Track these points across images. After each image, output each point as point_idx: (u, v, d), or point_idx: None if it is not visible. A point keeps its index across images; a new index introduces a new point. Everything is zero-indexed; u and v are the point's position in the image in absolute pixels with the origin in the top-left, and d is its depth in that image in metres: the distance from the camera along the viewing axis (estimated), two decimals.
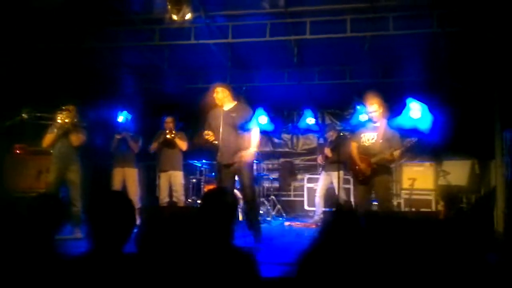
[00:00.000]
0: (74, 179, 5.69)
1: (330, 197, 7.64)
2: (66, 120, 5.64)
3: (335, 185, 7.40)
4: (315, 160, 9.79)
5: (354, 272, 1.66)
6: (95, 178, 7.01)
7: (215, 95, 5.23)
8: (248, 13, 6.07)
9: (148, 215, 4.43)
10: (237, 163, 5.05)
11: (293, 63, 7.33)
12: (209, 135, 5.14)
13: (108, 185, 6.70)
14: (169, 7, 5.02)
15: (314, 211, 8.22)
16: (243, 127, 5.11)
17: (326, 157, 7.72)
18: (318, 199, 7.72)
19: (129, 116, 7.05)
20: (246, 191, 5.16)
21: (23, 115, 5.81)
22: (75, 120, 5.73)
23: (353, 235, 1.78)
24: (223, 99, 5.23)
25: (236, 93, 5.45)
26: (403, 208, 7.52)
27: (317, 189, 7.91)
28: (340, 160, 6.42)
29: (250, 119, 5.19)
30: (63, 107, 5.71)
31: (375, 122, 5.31)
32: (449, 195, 7.00)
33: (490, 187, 6.81)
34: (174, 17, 5.10)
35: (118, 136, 6.69)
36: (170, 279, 1.94)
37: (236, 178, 5.32)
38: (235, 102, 5.32)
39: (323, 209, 7.58)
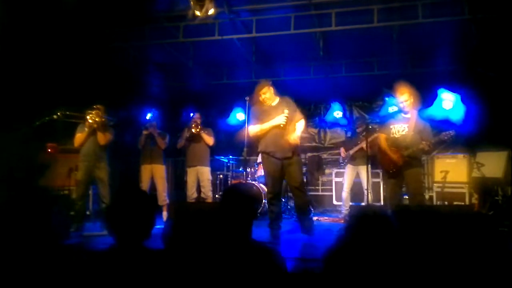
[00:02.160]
0: (103, 176, 5.79)
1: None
2: (96, 120, 5.73)
3: (363, 179, 7.24)
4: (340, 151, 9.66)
5: (382, 269, 1.60)
6: (124, 175, 7.13)
7: (263, 95, 5.14)
8: (271, 6, 6.03)
9: (175, 211, 4.46)
10: (290, 157, 5.06)
11: (319, 56, 7.22)
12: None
13: (137, 182, 6.79)
14: (192, 3, 5.01)
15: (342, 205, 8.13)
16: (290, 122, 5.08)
17: (356, 151, 7.53)
18: (346, 194, 7.51)
19: (156, 113, 7.12)
20: (296, 185, 5.14)
21: (54, 116, 5.95)
22: (104, 119, 5.82)
23: (382, 232, 1.72)
24: (271, 97, 5.19)
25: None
26: (436, 201, 7.31)
27: (344, 184, 7.71)
28: (368, 153, 6.27)
29: (298, 113, 5.19)
30: (93, 106, 5.80)
31: (406, 113, 5.16)
32: (483, 187, 6.76)
33: None
34: (197, 13, 5.10)
35: (145, 132, 6.77)
36: (193, 275, 1.93)
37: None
38: (278, 98, 5.26)
39: (351, 203, 7.42)
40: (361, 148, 7.25)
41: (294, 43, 7.02)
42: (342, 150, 7.91)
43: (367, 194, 6.29)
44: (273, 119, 5.07)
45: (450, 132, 4.94)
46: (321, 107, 10.15)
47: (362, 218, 1.77)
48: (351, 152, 7.48)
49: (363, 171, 6.98)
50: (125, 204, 2.01)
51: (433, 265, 1.91)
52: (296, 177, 5.13)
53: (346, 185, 7.47)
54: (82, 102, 6.20)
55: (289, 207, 7.84)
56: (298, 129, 5.15)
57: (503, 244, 1.89)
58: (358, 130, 7.65)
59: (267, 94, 5.14)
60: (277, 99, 5.24)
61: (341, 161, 7.91)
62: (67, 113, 6.17)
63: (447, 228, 2.31)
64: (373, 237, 1.69)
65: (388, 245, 1.68)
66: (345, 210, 7.44)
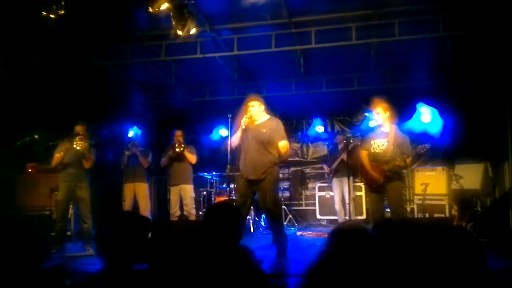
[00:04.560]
0: (84, 196, 5.73)
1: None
2: (82, 145, 5.66)
3: (345, 192, 7.38)
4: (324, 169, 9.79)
5: (364, 284, 1.64)
6: (106, 195, 7.06)
7: (250, 108, 4.95)
8: (252, 25, 6.13)
9: (158, 230, 4.43)
10: (262, 180, 4.85)
11: (300, 73, 7.34)
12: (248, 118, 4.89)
13: (119, 201, 6.73)
14: (174, 23, 5.06)
15: (330, 219, 8.26)
16: (272, 144, 4.91)
17: (338, 164, 7.70)
18: (338, 206, 7.74)
19: (139, 132, 7.10)
20: (269, 206, 4.91)
21: (35, 136, 5.89)
22: (87, 143, 5.75)
23: (363, 247, 1.76)
24: (258, 113, 5.00)
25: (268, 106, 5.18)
26: (417, 214, 7.42)
27: (334, 198, 7.90)
28: (349, 165, 6.39)
29: (281, 133, 4.97)
30: (76, 132, 5.73)
31: (384, 127, 5.25)
32: (462, 199, 6.89)
33: (505, 189, 6.70)
34: (179, 32, 5.14)
35: (127, 152, 6.74)
36: None
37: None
38: (268, 116, 5.08)
39: (345, 217, 7.55)
40: (342, 160, 7.44)
41: (276, 60, 7.12)
42: (325, 167, 8.14)
43: (349, 207, 6.43)
44: (249, 137, 4.94)
45: (426, 145, 5.03)
46: (303, 122, 10.27)
47: (342, 234, 1.81)
48: (334, 166, 7.67)
49: (346, 184, 7.16)
50: (120, 228, 1.99)
51: (413, 278, 1.95)
52: (266, 198, 4.91)
53: (337, 198, 7.74)
54: (64, 121, 6.17)
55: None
56: (280, 145, 4.94)
57: (480, 259, 1.94)
58: (338, 142, 7.89)
59: (254, 109, 4.96)
60: (265, 117, 5.08)
61: (326, 177, 8.12)
62: (47, 133, 6.10)
63: (426, 241, 2.37)
64: (353, 253, 1.72)
65: (369, 260, 1.72)
66: (341, 220, 7.62)
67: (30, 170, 7.02)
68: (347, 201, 7.16)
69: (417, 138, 5.57)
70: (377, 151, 5.22)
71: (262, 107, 5.05)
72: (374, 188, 5.21)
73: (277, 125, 5.01)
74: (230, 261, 2.10)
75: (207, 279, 2.00)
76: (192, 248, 2.47)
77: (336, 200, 7.81)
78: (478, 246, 1.90)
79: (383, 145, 5.19)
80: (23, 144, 5.84)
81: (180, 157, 6.88)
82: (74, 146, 5.62)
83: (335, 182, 7.85)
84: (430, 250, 2.07)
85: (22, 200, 6.73)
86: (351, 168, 6.74)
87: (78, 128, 5.75)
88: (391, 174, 5.05)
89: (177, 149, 6.77)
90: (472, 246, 1.84)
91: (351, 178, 7.25)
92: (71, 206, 6.13)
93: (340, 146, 7.88)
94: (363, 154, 5.38)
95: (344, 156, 7.57)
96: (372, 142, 5.29)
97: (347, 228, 1.88)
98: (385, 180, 5.07)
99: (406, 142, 5.16)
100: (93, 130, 6.06)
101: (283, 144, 4.96)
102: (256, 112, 4.99)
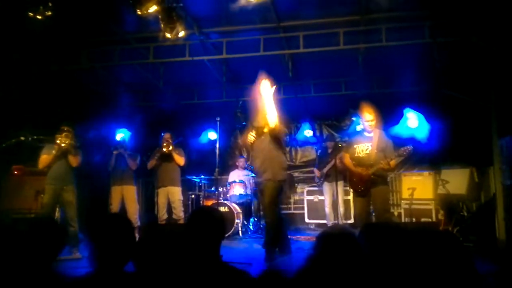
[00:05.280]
0: (71, 199, 5.67)
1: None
2: (66, 142, 5.63)
3: (336, 196, 7.42)
4: (314, 172, 9.80)
5: None
6: (93, 197, 6.99)
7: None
8: (241, 29, 6.14)
9: (146, 234, 4.40)
10: (262, 181, 5.25)
11: (288, 77, 7.36)
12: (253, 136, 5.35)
13: (106, 204, 6.67)
14: (162, 25, 5.05)
15: (318, 223, 8.35)
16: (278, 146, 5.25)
17: (330, 168, 7.74)
18: (328, 209, 7.78)
19: (127, 134, 7.06)
20: (265, 209, 5.36)
21: (21, 137, 5.83)
22: (73, 141, 5.72)
23: (347, 252, 1.77)
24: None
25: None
26: (404, 218, 7.48)
27: (325, 201, 7.95)
28: (340, 170, 6.43)
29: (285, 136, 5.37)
30: (62, 128, 5.70)
31: (369, 132, 5.30)
32: (449, 204, 6.96)
33: (491, 194, 6.78)
34: (168, 35, 5.13)
35: (115, 152, 6.67)
36: None
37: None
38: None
39: (334, 221, 7.59)
40: (334, 165, 7.48)
41: (264, 64, 7.06)
42: (315, 170, 8.17)
43: (340, 211, 6.49)
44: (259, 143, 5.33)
45: (408, 147, 5.08)
46: (292, 126, 10.27)
47: (327, 239, 1.82)
48: (325, 170, 7.73)
49: (337, 188, 7.22)
50: (109, 231, 2.01)
51: (401, 282, 1.96)
52: (264, 199, 5.31)
53: (327, 202, 7.79)
54: (50, 123, 6.11)
55: (261, 226, 7.86)
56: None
57: (468, 263, 1.95)
58: (329, 147, 7.92)
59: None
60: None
61: (317, 180, 8.15)
62: (33, 135, 6.04)
63: (414, 245, 2.38)
64: (338, 257, 1.73)
65: (354, 265, 1.73)
66: (330, 224, 7.65)
67: (15, 172, 6.92)
68: (340, 205, 7.21)
69: (404, 143, 5.61)
70: (361, 155, 5.26)
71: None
72: (359, 192, 5.25)
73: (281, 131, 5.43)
74: (214, 269, 2.10)
75: (191, 282, 2.00)
76: (178, 252, 2.46)
77: (327, 204, 7.85)
78: (466, 250, 1.91)
79: (367, 149, 5.24)
80: (9, 145, 5.78)
81: (168, 158, 6.82)
82: (58, 142, 5.57)
83: (326, 186, 7.89)
84: (418, 254, 2.09)
85: (7, 202, 6.63)
86: (341, 173, 6.81)
87: (64, 127, 5.71)
88: (376, 178, 5.09)
89: (164, 149, 6.72)
90: (460, 250, 1.86)
91: (341, 182, 7.35)
92: (57, 209, 6.06)
93: (330, 151, 7.92)
94: (346, 157, 5.42)
95: (334, 161, 7.62)
96: (356, 146, 5.33)
97: (333, 232, 1.89)
98: (370, 184, 5.11)
99: (390, 146, 5.22)
100: (78, 133, 6.01)
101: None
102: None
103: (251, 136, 5.36)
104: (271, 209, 5.24)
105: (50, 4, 4.82)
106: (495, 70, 6.15)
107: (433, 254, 2.07)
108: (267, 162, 5.25)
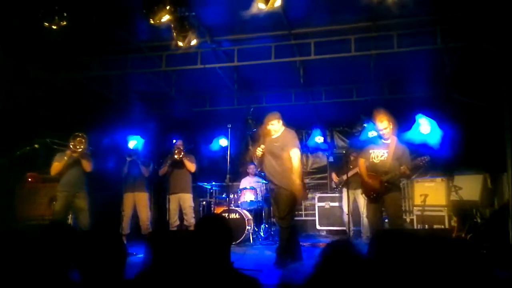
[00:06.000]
0: (83, 206, 5.73)
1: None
2: (80, 148, 5.71)
3: (359, 203, 7.33)
4: (325, 178, 9.76)
5: None
6: (106, 204, 7.06)
7: (269, 126, 5.34)
8: (252, 36, 6.18)
9: (156, 240, 4.43)
10: (275, 188, 5.29)
11: (300, 83, 7.38)
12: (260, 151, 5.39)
13: (119, 210, 6.72)
14: (175, 34, 5.11)
15: (329, 230, 8.31)
16: (282, 156, 5.23)
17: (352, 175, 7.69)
18: (346, 217, 7.71)
19: (140, 141, 7.13)
20: (276, 214, 5.39)
21: (35, 145, 5.92)
22: (87, 147, 5.81)
23: (347, 265, 1.75)
24: (277, 129, 5.38)
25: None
26: (416, 224, 7.41)
27: (343, 208, 7.91)
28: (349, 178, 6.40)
29: (291, 143, 5.27)
30: (77, 134, 5.79)
31: (386, 139, 5.28)
32: (462, 210, 6.89)
33: (504, 200, 6.69)
34: (180, 43, 5.19)
35: (128, 158, 6.74)
36: None
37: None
38: (283, 128, 5.42)
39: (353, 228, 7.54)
40: (356, 173, 7.42)
41: (275, 71, 7.17)
42: (334, 175, 8.11)
43: (349, 218, 6.45)
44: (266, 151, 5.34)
45: (425, 157, 5.07)
46: (303, 132, 10.27)
47: (329, 251, 1.81)
48: (345, 177, 7.65)
49: (358, 195, 7.15)
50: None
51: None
52: (278, 207, 5.30)
53: (345, 209, 7.68)
54: (64, 131, 6.20)
55: (272, 232, 7.85)
56: (294, 164, 5.20)
57: (487, 270, 1.93)
58: (353, 156, 7.79)
59: (275, 127, 5.33)
60: (280, 131, 5.39)
61: (334, 186, 8.10)
62: (48, 141, 6.14)
63: (429, 252, 2.37)
64: (337, 271, 1.71)
65: (355, 277, 1.70)
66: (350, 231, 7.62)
67: (29, 180, 7.02)
68: (362, 214, 7.12)
69: (417, 149, 5.60)
70: (375, 161, 5.25)
71: (280, 122, 5.40)
72: (372, 198, 5.24)
73: (288, 135, 5.36)
74: (224, 276, 2.11)
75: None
76: (187, 260, 2.47)
77: (345, 210, 7.76)
78: (484, 257, 1.90)
79: (382, 156, 5.23)
80: (23, 153, 5.87)
81: (179, 165, 6.88)
82: (71, 147, 5.64)
83: (346, 193, 7.78)
84: (434, 261, 2.07)
85: (21, 210, 6.73)
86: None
87: (78, 133, 5.79)
88: (389, 185, 5.07)
89: (176, 156, 6.78)
90: (479, 258, 1.84)
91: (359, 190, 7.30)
92: (70, 216, 6.13)
93: (353, 158, 7.83)
94: (361, 162, 5.41)
95: (357, 169, 7.55)
96: (371, 151, 5.32)
97: (334, 245, 1.87)
98: (383, 191, 5.09)
99: (406, 154, 5.21)
100: (93, 140, 6.09)
101: (293, 153, 5.19)
102: (276, 128, 5.36)
103: (259, 151, 5.40)
104: (288, 216, 5.25)
105: (65, 14, 4.91)
106: (507, 75, 6.10)
107: (448, 262, 2.06)
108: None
